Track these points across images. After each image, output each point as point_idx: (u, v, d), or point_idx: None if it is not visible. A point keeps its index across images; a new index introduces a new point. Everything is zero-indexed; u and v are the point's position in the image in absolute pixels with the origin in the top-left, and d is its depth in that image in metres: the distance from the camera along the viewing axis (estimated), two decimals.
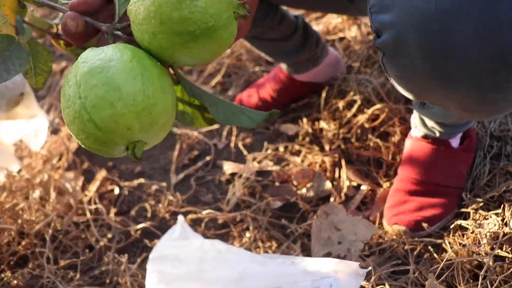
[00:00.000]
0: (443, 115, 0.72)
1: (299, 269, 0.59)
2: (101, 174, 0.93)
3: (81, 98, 0.37)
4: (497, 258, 0.67)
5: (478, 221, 0.73)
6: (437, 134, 0.77)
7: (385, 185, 0.85)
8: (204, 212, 0.86)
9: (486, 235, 0.70)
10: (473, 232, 0.71)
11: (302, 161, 0.93)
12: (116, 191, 0.92)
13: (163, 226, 0.85)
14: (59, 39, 0.59)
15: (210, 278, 0.61)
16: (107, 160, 0.99)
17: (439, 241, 0.72)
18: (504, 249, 0.67)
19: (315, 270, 0.59)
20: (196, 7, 0.37)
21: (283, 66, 1.03)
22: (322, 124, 0.97)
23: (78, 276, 0.76)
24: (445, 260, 0.68)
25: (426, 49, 0.47)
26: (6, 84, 0.78)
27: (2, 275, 0.78)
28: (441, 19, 0.44)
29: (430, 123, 0.77)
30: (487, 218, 0.72)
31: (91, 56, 0.39)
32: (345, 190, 0.87)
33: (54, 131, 1.10)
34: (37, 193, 0.88)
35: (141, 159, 0.38)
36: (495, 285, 0.62)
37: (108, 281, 0.77)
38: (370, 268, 0.63)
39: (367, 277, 0.64)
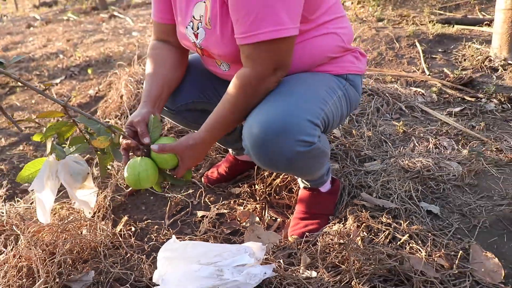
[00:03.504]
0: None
1: (234, 246, 1.21)
2: (124, 219, 1.54)
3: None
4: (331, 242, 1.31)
5: (334, 229, 1.37)
6: (309, 185, 1.43)
7: (290, 217, 1.50)
8: (187, 237, 1.47)
9: (335, 233, 1.33)
10: (333, 234, 1.35)
11: (244, 207, 1.58)
12: (133, 229, 1.53)
13: (162, 245, 1.45)
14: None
15: (189, 256, 1.21)
16: (127, 212, 1.61)
17: (314, 239, 1.36)
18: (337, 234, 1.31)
19: (242, 247, 1.21)
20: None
21: (230, 151, 1.72)
22: (256, 186, 1.64)
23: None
24: (318, 247, 1.31)
25: (255, 154, 1.14)
26: (82, 167, 1.40)
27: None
28: (256, 143, 1.12)
29: (303, 181, 1.44)
30: (336, 224, 1.37)
31: (132, 162, 1.09)
32: (267, 221, 1.51)
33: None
34: (84, 230, 1.47)
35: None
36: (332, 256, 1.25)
37: (135, 266, 1.35)
38: (267, 245, 1.26)
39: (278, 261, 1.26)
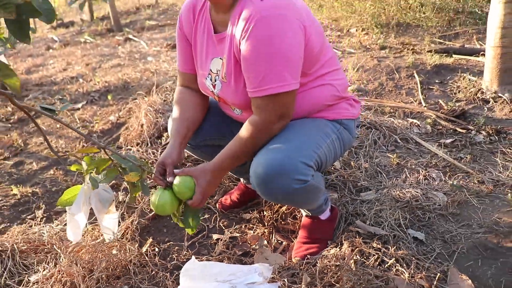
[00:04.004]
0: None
1: (245, 267, 1.43)
2: (149, 241, 1.77)
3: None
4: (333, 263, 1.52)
5: (331, 252, 1.59)
6: (310, 214, 1.66)
7: (294, 241, 1.72)
8: (204, 257, 1.69)
9: (332, 256, 1.55)
10: (331, 257, 1.57)
11: (253, 231, 1.80)
12: (157, 249, 1.76)
13: (183, 264, 1.68)
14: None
15: (207, 274, 1.43)
16: (151, 234, 1.84)
17: (314, 261, 1.57)
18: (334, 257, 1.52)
19: (252, 267, 1.43)
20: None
21: (242, 180, 1.95)
22: (264, 212, 1.86)
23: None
24: (317, 268, 1.52)
25: (260, 190, 1.37)
26: (110, 194, 1.63)
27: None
28: (259, 180, 1.35)
29: (305, 211, 1.66)
30: (333, 248, 1.59)
31: (159, 192, 1.35)
32: (274, 244, 1.73)
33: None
34: (114, 250, 1.70)
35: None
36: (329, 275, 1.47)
37: (160, 283, 1.57)
38: (273, 266, 1.48)
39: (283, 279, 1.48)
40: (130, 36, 6.79)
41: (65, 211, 2.06)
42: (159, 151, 2.52)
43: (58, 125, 3.40)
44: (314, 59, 1.42)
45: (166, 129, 2.68)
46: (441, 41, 4.56)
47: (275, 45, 1.25)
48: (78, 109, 3.73)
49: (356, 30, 5.20)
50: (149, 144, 2.61)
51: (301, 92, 1.43)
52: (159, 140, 2.63)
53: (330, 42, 4.81)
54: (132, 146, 2.63)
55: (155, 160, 2.44)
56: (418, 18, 4.97)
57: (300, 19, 1.30)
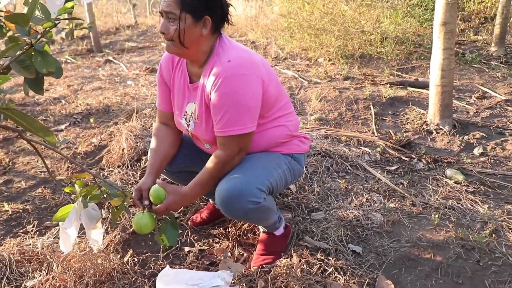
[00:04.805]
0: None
1: (211, 273, 1.75)
2: (130, 252, 2.07)
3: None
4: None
5: (283, 262, 1.91)
6: (267, 230, 1.98)
7: (254, 253, 2.04)
8: (177, 266, 1.99)
9: (283, 266, 1.87)
10: (282, 266, 1.89)
11: (219, 245, 2.12)
12: (136, 259, 2.05)
13: (158, 272, 1.97)
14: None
15: (179, 279, 1.74)
16: (131, 246, 2.14)
17: (269, 269, 1.90)
18: (285, 266, 1.85)
19: (216, 273, 1.75)
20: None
21: (211, 200, 2.27)
22: (229, 229, 2.18)
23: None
24: (271, 274, 1.84)
25: (223, 209, 1.71)
26: (97, 212, 1.93)
27: None
28: (222, 201, 1.69)
29: (262, 228, 1.99)
30: (285, 259, 1.92)
31: (138, 215, 1.65)
32: (236, 256, 2.05)
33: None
34: (99, 260, 1.99)
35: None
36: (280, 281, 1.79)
37: (139, 287, 1.86)
38: (235, 273, 1.80)
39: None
40: (110, 58, 7.08)
41: (55, 226, 2.34)
42: (139, 173, 2.82)
43: (42, 146, 3.65)
44: (270, 105, 1.76)
45: (145, 153, 2.99)
46: (399, 73, 5.01)
47: (237, 97, 1.59)
48: (62, 130, 4.00)
49: (324, 60, 5.63)
50: (129, 167, 2.91)
51: (260, 131, 1.78)
52: (138, 163, 2.93)
53: (298, 71, 5.21)
54: (113, 168, 2.93)
55: (135, 181, 2.74)
56: (379, 51, 5.42)
57: (260, 75, 1.65)
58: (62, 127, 4.07)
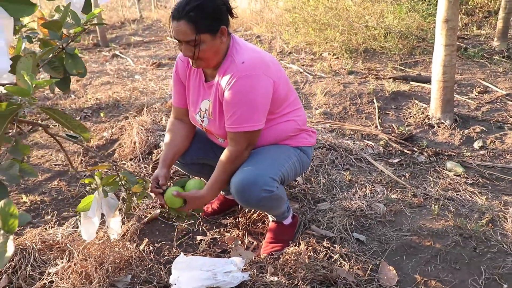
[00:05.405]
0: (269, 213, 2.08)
1: (223, 260, 1.86)
2: (145, 241, 2.18)
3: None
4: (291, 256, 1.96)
5: (291, 250, 2.03)
6: (276, 219, 2.10)
7: (263, 241, 2.15)
8: (190, 254, 2.11)
9: (291, 253, 1.99)
10: (290, 253, 2.00)
11: (230, 233, 2.23)
12: (151, 248, 2.17)
13: (173, 259, 2.09)
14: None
15: (193, 266, 1.86)
16: (146, 235, 2.26)
17: (278, 256, 2.01)
18: (293, 253, 1.96)
19: (229, 260, 1.86)
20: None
21: (221, 191, 2.38)
22: (239, 218, 2.30)
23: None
24: (279, 261, 1.96)
25: (237, 197, 1.82)
26: (116, 201, 2.04)
27: None
28: (238, 190, 1.80)
29: (271, 216, 2.11)
30: (293, 247, 2.03)
31: (169, 189, 1.79)
32: (246, 244, 2.16)
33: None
34: (117, 248, 2.11)
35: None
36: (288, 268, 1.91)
37: (156, 273, 1.98)
38: (245, 260, 1.91)
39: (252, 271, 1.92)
40: (117, 53, 7.18)
41: (72, 217, 2.47)
42: (150, 166, 2.93)
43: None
44: (280, 102, 1.87)
45: (156, 147, 3.10)
46: (402, 68, 5.10)
47: (249, 96, 1.70)
48: None
49: (328, 54, 5.72)
50: (141, 160, 3.02)
51: (271, 126, 1.88)
52: (150, 157, 3.05)
53: (303, 65, 5.30)
54: (126, 161, 3.04)
55: (147, 173, 2.85)
56: (383, 46, 5.51)
57: (271, 76, 1.76)
58: None
